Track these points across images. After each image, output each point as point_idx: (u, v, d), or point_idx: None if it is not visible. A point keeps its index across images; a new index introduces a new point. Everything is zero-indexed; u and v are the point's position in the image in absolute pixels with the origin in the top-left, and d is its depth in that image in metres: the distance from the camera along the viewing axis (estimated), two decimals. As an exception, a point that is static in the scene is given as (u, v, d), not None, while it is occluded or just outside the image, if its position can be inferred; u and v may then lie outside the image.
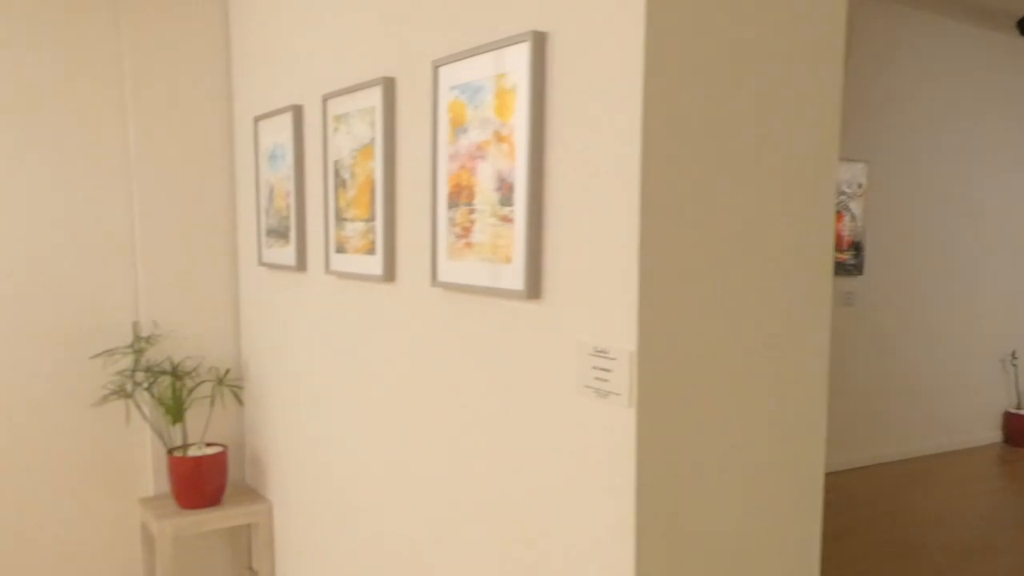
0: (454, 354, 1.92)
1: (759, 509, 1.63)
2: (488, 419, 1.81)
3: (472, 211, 1.81)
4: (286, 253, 2.75)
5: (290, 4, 2.65)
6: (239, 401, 3.24)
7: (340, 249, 2.38)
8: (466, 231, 1.83)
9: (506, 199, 1.70)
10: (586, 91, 1.51)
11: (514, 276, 1.69)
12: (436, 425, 2.01)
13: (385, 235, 2.14)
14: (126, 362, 3.06)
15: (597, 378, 1.53)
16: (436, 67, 1.90)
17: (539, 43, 1.60)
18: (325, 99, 2.40)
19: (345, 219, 2.34)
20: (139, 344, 3.04)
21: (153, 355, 3.07)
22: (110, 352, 3.04)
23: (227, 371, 3.22)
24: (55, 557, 3.02)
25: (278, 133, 2.77)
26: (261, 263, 2.96)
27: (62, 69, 2.90)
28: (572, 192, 1.55)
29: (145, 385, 2.99)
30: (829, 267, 1.68)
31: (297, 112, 2.63)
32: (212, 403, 3.19)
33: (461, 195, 1.84)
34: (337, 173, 2.37)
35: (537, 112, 1.61)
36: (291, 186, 2.68)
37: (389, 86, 2.11)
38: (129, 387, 3.03)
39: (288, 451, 2.88)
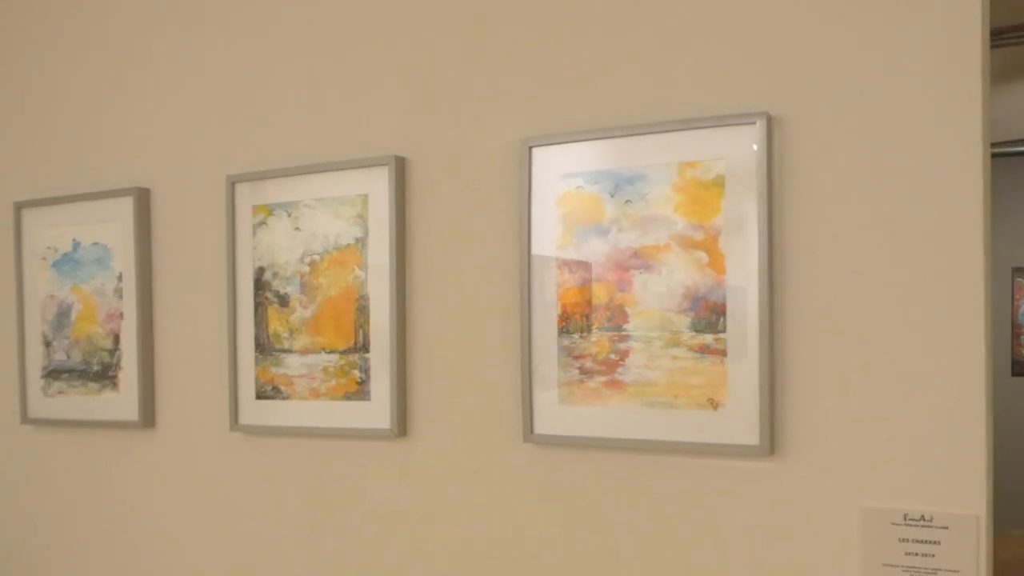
0: (593, 545, 1.38)
1: None
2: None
3: (622, 338, 1.34)
4: (107, 402, 1.86)
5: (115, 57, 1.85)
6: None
7: (270, 393, 1.65)
8: (608, 366, 1.35)
9: (708, 323, 1.28)
10: (862, 176, 1.20)
11: (732, 426, 1.26)
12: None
13: (395, 372, 1.52)
14: None
15: (909, 553, 1.18)
16: (529, 147, 1.41)
17: (768, 126, 1.24)
18: (232, 182, 1.69)
19: (284, 350, 1.63)
20: None
21: None
22: None
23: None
24: None
25: (82, 228, 1.90)
26: (27, 419, 1.97)
27: None
28: (829, 302, 1.21)
29: None
30: None
31: (142, 197, 1.82)
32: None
33: (593, 317, 1.36)
34: (264, 285, 1.66)
35: (767, 210, 1.24)
36: (126, 304, 1.83)
37: (399, 169, 1.53)
38: None
39: None
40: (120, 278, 1.84)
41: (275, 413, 1.65)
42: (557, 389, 1.39)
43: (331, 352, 1.59)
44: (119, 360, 1.85)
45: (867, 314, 1.19)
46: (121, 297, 1.84)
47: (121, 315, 1.84)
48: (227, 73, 1.72)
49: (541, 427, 1.40)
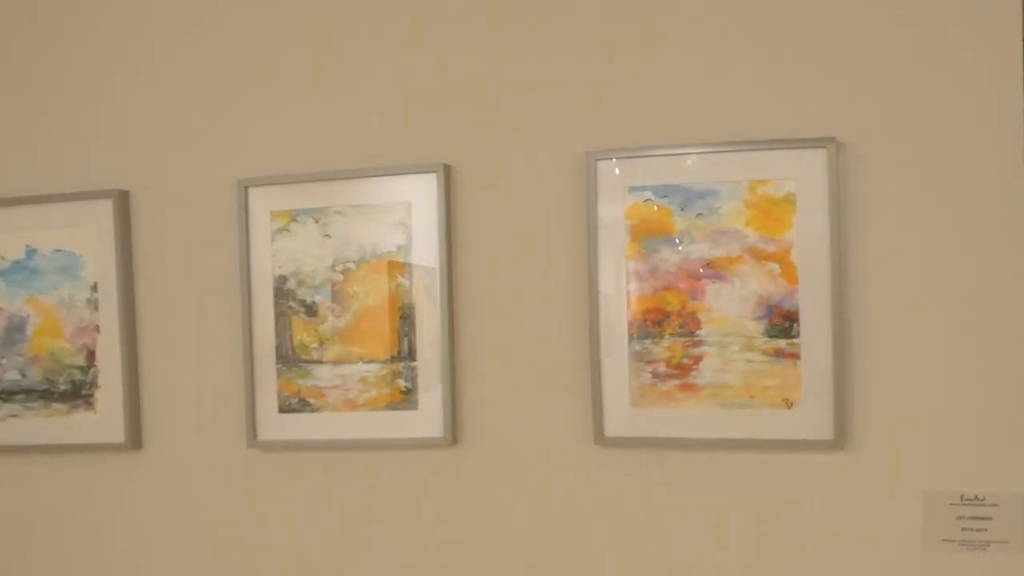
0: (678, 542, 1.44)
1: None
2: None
3: (695, 343, 1.41)
4: (80, 424, 1.69)
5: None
6: None
7: (296, 407, 1.57)
8: (682, 369, 1.42)
9: (781, 330, 1.38)
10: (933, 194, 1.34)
11: (807, 423, 1.37)
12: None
13: (447, 379, 1.50)
14: None
15: (966, 529, 1.34)
16: (595, 160, 1.44)
17: (837, 150, 1.36)
18: (244, 186, 1.59)
19: (312, 361, 1.57)
20: None
21: None
22: None
23: None
24: None
25: (39, 233, 1.71)
26: (-33, 446, 1.74)
27: None
28: (892, 309, 1.35)
29: None
30: None
31: (121, 201, 1.66)
32: None
33: (665, 324, 1.42)
34: (287, 294, 1.58)
35: (837, 227, 1.36)
36: (104, 316, 1.67)
37: (444, 176, 1.51)
38: None
39: None
40: (95, 288, 1.68)
41: (303, 427, 1.58)
42: (628, 393, 1.44)
43: (370, 362, 1.54)
44: (95, 378, 1.68)
45: (926, 319, 1.34)
46: (96, 309, 1.68)
47: (97, 328, 1.68)
48: (239, 69, 1.61)
49: (612, 430, 1.44)
